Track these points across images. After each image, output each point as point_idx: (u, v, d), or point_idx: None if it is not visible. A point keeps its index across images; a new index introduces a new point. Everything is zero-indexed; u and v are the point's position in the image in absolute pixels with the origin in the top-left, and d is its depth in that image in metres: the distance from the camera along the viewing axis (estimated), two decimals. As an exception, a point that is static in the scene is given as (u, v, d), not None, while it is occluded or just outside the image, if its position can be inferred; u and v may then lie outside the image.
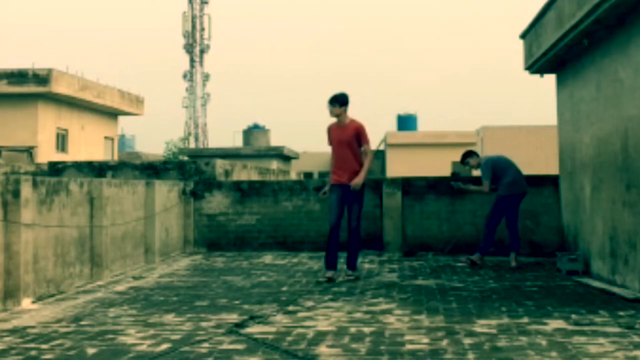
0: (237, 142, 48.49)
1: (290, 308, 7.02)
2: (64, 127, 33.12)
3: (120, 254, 9.74)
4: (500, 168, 10.49)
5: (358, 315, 6.64)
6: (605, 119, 8.60)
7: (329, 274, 8.75)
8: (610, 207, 8.44)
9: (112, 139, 38.47)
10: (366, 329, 6.00)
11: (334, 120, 9.02)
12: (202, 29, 56.91)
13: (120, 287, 8.48)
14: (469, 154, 11.00)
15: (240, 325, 6.17)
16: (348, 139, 8.83)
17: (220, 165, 13.95)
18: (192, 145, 56.82)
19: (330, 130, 9.04)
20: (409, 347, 5.37)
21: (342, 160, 8.89)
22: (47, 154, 29.99)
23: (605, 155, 8.59)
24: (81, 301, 7.53)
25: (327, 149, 9.32)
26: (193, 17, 56.52)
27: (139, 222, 10.50)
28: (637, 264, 7.55)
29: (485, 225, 10.50)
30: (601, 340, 5.52)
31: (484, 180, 10.54)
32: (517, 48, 44.10)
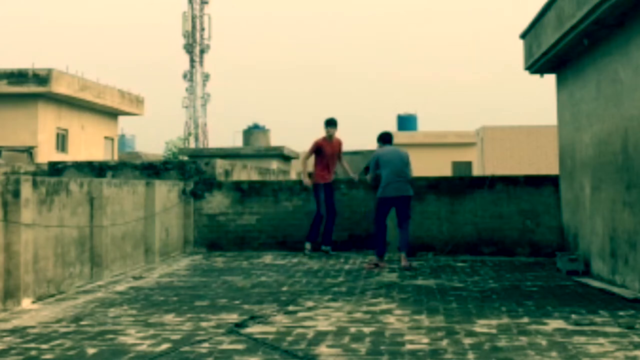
0: (237, 142, 48.34)
1: (290, 308, 7.02)
2: (64, 127, 33.09)
3: (120, 254, 9.74)
4: (383, 163, 10.40)
5: (358, 315, 6.64)
6: (605, 119, 8.60)
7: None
8: (610, 207, 8.44)
9: (112, 139, 38.43)
10: (366, 329, 6.00)
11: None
12: (202, 29, 56.85)
13: (120, 287, 8.48)
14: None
15: (240, 325, 6.17)
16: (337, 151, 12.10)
17: (220, 165, 13.94)
18: (192, 145, 56.77)
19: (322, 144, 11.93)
20: (409, 347, 5.37)
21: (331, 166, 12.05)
22: (47, 154, 29.95)
23: (605, 155, 8.59)
24: (81, 301, 7.53)
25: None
26: (193, 17, 56.48)
27: (139, 222, 10.50)
28: (637, 264, 7.55)
29: (376, 228, 10.29)
30: (601, 340, 5.52)
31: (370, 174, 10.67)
32: (517, 48, 44.06)
